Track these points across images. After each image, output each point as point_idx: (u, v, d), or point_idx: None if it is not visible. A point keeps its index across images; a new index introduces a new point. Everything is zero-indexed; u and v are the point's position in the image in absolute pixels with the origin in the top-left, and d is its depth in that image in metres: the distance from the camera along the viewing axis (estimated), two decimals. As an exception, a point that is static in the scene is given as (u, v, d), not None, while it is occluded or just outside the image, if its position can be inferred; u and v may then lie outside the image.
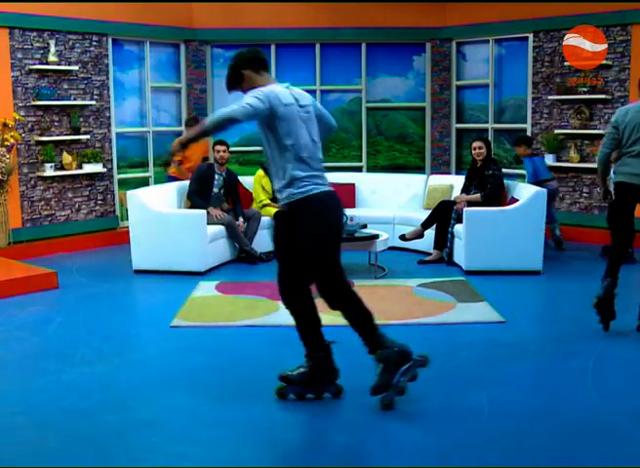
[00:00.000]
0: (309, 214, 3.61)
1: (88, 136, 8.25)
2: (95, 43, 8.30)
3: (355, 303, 3.73)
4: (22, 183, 7.78)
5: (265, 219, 7.65)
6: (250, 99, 3.47)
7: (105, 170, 8.42)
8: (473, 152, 7.24)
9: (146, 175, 9.05)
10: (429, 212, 7.29)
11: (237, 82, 3.76)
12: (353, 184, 8.57)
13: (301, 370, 3.78)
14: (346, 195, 8.47)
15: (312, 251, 3.62)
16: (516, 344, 4.68)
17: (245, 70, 3.71)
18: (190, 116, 8.67)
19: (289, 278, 3.77)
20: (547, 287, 6.34)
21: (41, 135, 7.83)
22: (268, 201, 7.83)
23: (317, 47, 9.48)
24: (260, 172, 7.94)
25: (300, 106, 3.69)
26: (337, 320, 5.34)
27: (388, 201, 8.41)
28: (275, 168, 3.65)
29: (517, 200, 6.80)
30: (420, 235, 7.21)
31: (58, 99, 7.93)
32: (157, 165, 8.95)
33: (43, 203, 7.99)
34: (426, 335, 4.86)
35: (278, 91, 3.61)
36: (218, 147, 7.52)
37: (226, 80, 3.82)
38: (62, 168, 8.03)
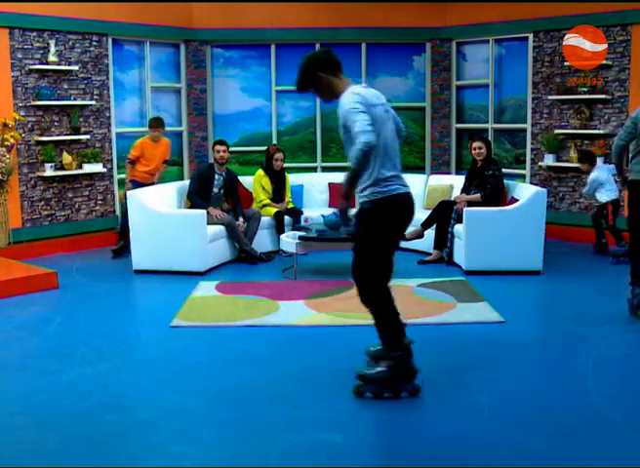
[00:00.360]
0: (389, 213, 3.67)
1: (88, 136, 8.25)
2: (95, 43, 8.30)
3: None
4: (22, 183, 7.78)
5: (265, 219, 7.65)
6: (361, 116, 3.44)
7: (105, 170, 8.42)
8: (473, 152, 7.24)
9: (146, 175, 9.05)
10: (429, 212, 7.29)
11: (311, 84, 3.76)
12: (353, 184, 8.56)
13: (379, 368, 3.77)
14: (346, 195, 8.47)
15: (380, 248, 3.74)
16: (516, 344, 4.68)
17: (322, 73, 3.70)
18: (153, 117, 8.15)
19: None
20: (547, 287, 6.33)
21: (41, 135, 7.83)
22: (268, 201, 7.84)
23: (317, 47, 9.47)
24: (260, 171, 7.94)
25: (382, 105, 3.71)
26: (340, 320, 5.35)
27: (388, 201, 8.39)
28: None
29: (517, 200, 6.80)
30: (419, 235, 7.21)
31: (58, 99, 7.93)
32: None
33: (43, 203, 7.99)
34: (426, 335, 4.85)
35: (364, 93, 3.62)
36: (217, 147, 7.51)
37: (298, 80, 3.79)
38: (62, 168, 8.03)
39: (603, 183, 7.39)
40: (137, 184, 7.64)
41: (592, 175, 7.45)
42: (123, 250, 7.51)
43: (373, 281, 3.76)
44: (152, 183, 7.78)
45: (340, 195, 3.56)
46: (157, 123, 7.86)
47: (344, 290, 6.12)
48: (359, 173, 3.46)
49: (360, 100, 3.53)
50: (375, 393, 3.78)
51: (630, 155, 5.28)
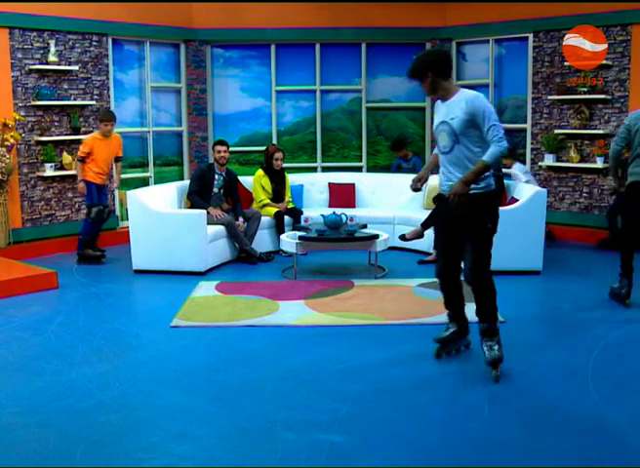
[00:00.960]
0: (497, 202, 4.21)
1: (88, 136, 8.25)
2: (95, 43, 8.30)
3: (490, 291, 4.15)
4: (22, 183, 7.79)
5: (265, 219, 7.65)
6: (499, 123, 3.99)
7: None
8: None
9: (146, 174, 9.05)
10: (429, 211, 7.29)
11: (418, 78, 4.14)
12: (353, 184, 8.57)
13: (496, 346, 4.12)
14: (346, 195, 8.48)
15: (493, 234, 4.11)
16: (516, 344, 4.68)
17: (431, 73, 4.07)
18: (105, 110, 7.81)
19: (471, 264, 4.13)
20: (547, 287, 6.34)
21: (41, 135, 7.84)
22: (268, 200, 7.84)
23: (317, 47, 9.49)
24: (260, 171, 7.94)
25: None
26: (340, 320, 5.36)
27: (388, 201, 8.41)
28: (472, 161, 4.04)
29: (517, 200, 6.80)
30: (419, 235, 7.21)
31: (58, 99, 7.94)
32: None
33: (43, 203, 7.99)
34: (426, 335, 4.86)
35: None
36: (218, 147, 7.51)
37: (410, 71, 4.16)
38: (62, 168, 8.03)
39: (524, 174, 8.04)
40: (90, 185, 7.28)
41: (517, 167, 8.10)
42: (97, 257, 7.33)
43: (488, 264, 4.13)
44: (104, 186, 7.44)
45: (464, 181, 3.95)
46: (110, 116, 7.33)
47: (344, 290, 6.12)
48: (490, 169, 4.00)
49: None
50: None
51: (629, 159, 5.50)
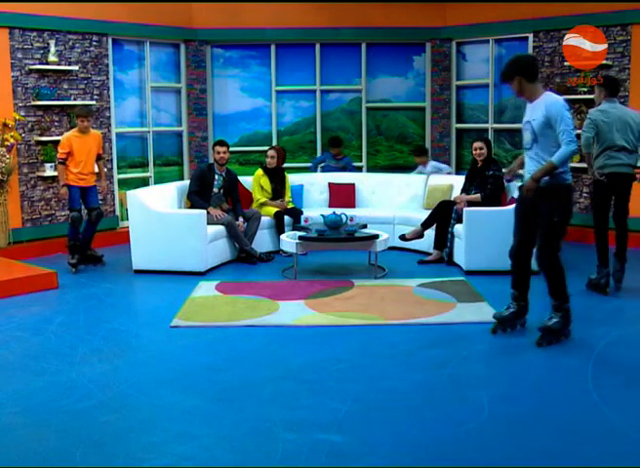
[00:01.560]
0: (565, 198, 4.57)
1: (88, 137, 8.24)
2: (95, 43, 8.30)
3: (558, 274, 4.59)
4: (22, 183, 7.79)
5: (265, 219, 7.65)
6: (571, 123, 4.49)
7: (105, 169, 8.40)
8: (474, 152, 7.24)
9: (146, 174, 9.05)
10: (429, 212, 7.30)
11: (508, 80, 4.72)
12: (353, 184, 8.57)
13: (555, 319, 4.60)
14: (346, 195, 8.48)
15: (555, 226, 4.52)
16: (516, 344, 4.68)
17: (519, 76, 4.62)
18: (83, 106, 7.58)
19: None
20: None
21: (41, 135, 7.84)
22: (265, 199, 7.83)
23: (317, 47, 9.49)
24: (260, 171, 7.94)
25: None
26: (340, 320, 5.36)
27: (388, 201, 8.41)
28: (546, 158, 4.49)
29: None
30: (420, 235, 7.21)
31: (58, 99, 7.94)
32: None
33: (43, 203, 7.99)
34: (426, 335, 4.87)
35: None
36: (218, 148, 7.51)
37: (501, 75, 4.82)
38: (62, 168, 8.02)
39: (440, 170, 8.65)
40: (72, 189, 6.92)
41: (433, 164, 8.75)
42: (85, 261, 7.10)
43: (556, 249, 4.54)
44: (90, 188, 7.02)
45: (533, 178, 4.50)
46: (87, 112, 6.97)
47: (344, 290, 6.12)
48: (557, 168, 4.43)
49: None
50: (549, 341, 4.57)
51: (595, 153, 5.83)
